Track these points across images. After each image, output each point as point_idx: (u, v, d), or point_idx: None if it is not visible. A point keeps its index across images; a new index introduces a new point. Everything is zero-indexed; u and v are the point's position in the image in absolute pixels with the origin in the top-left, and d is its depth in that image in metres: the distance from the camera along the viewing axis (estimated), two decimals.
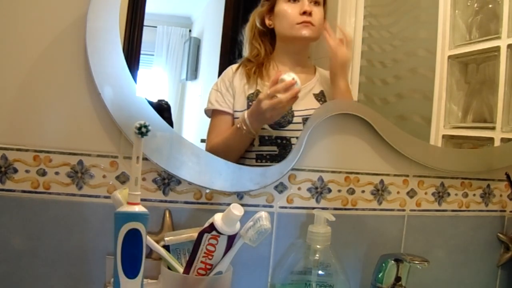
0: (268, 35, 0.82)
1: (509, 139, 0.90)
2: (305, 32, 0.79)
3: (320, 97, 0.83)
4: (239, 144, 0.77)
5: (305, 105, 0.80)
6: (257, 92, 0.79)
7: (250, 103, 0.78)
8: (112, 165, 0.71)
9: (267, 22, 0.81)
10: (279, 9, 0.80)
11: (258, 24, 0.81)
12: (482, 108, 0.95)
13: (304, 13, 0.78)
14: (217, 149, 0.75)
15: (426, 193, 0.87)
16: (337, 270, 0.72)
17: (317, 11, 0.80)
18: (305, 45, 0.84)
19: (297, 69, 0.81)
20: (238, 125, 0.76)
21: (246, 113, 0.76)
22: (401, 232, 0.85)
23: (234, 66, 0.81)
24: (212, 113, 0.80)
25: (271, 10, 0.80)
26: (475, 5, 0.95)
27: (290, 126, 0.79)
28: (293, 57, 0.83)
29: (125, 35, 0.71)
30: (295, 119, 0.79)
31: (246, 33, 0.82)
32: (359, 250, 0.83)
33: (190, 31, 0.85)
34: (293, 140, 0.78)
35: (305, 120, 0.79)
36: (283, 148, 0.79)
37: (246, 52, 0.82)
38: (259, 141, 0.79)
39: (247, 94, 0.79)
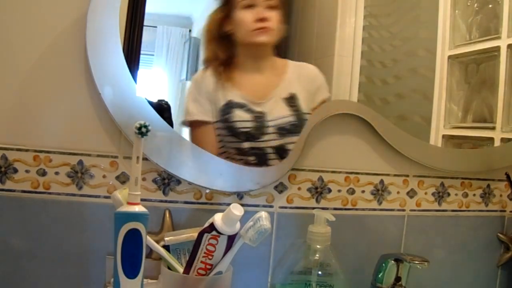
0: (229, 40, 0.80)
1: (509, 139, 0.90)
2: (262, 38, 0.79)
3: (291, 101, 0.80)
4: None
5: (276, 114, 0.77)
6: (230, 103, 0.77)
7: (222, 117, 0.77)
8: (112, 165, 0.71)
9: (226, 28, 0.79)
10: (236, 17, 0.79)
11: (215, 31, 0.80)
12: (482, 108, 0.94)
13: (260, 19, 0.78)
14: None
15: (426, 193, 0.87)
16: (337, 270, 0.72)
17: (274, 15, 0.79)
18: (265, 49, 0.82)
19: (257, 74, 0.81)
20: None
21: None
22: (401, 232, 0.85)
23: (199, 75, 0.80)
24: (192, 124, 0.77)
25: (228, 16, 0.79)
26: (475, 5, 0.95)
27: (265, 137, 0.78)
28: (255, 62, 0.82)
29: (125, 35, 0.70)
30: (269, 130, 0.78)
31: (203, 36, 0.80)
32: (359, 250, 0.83)
33: (190, 31, 0.85)
34: (268, 150, 0.77)
35: (280, 129, 0.77)
36: (259, 157, 0.78)
37: (202, 55, 0.80)
38: (238, 151, 0.78)
39: (219, 106, 0.77)
